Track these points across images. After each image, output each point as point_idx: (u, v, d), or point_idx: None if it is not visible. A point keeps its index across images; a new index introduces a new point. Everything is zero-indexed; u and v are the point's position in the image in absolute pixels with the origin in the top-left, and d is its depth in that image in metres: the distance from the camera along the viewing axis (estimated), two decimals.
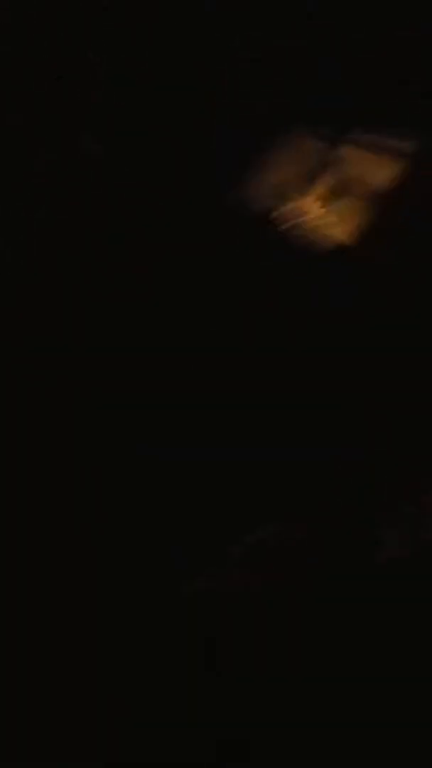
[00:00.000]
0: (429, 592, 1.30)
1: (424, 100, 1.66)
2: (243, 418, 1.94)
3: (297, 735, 1.21)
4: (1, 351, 2.12)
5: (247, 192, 2.30)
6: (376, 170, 2.31)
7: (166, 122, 2.16)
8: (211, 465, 1.75)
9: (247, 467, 1.74)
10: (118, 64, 2.06)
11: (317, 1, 1.65)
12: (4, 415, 1.95)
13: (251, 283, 1.84)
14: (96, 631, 1.48)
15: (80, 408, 2.01)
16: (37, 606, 1.55)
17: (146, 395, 2.07)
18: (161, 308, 1.94)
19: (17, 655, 1.46)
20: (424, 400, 1.69)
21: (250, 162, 2.31)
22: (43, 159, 2.20)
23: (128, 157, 2.24)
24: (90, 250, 2.28)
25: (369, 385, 1.62)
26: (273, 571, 1.47)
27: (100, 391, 2.05)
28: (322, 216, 2.40)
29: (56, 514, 1.73)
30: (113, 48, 2.01)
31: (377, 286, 1.73)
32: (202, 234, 1.99)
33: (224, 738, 1.24)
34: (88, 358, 2.12)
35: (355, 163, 2.39)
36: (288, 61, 1.80)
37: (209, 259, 1.90)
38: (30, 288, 2.20)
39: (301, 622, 1.29)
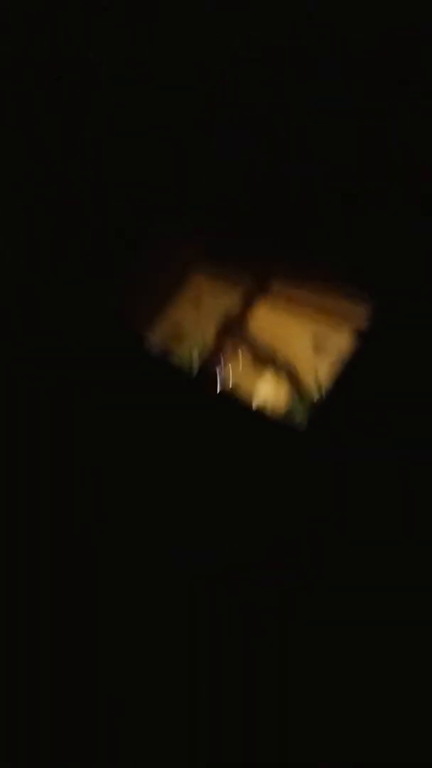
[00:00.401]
0: None
1: (424, 100, 1.66)
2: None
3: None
4: (1, 351, 2.12)
5: (150, 332, 2.38)
6: (289, 336, 2.33)
7: (166, 122, 2.16)
8: (210, 466, 1.75)
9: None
10: (118, 64, 2.06)
11: (317, 1, 1.65)
12: (4, 414, 1.95)
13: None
14: (96, 630, 1.48)
15: (80, 407, 2.01)
16: (38, 605, 1.55)
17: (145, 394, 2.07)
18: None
19: (18, 654, 1.46)
20: None
21: (150, 296, 2.42)
22: (43, 159, 2.20)
23: (128, 157, 2.24)
24: (90, 249, 2.28)
25: None
26: (269, 569, 1.47)
27: (99, 390, 2.05)
28: (241, 374, 2.37)
29: (56, 514, 1.73)
30: (113, 48, 2.01)
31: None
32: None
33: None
34: (87, 358, 2.12)
35: (270, 326, 2.35)
36: (288, 61, 1.79)
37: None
38: (30, 288, 2.20)
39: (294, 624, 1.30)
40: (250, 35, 1.80)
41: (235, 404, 1.76)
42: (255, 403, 1.96)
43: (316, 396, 2.11)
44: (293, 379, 2.43)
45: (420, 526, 1.31)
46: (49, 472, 1.82)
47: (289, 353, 2.53)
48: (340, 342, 2.32)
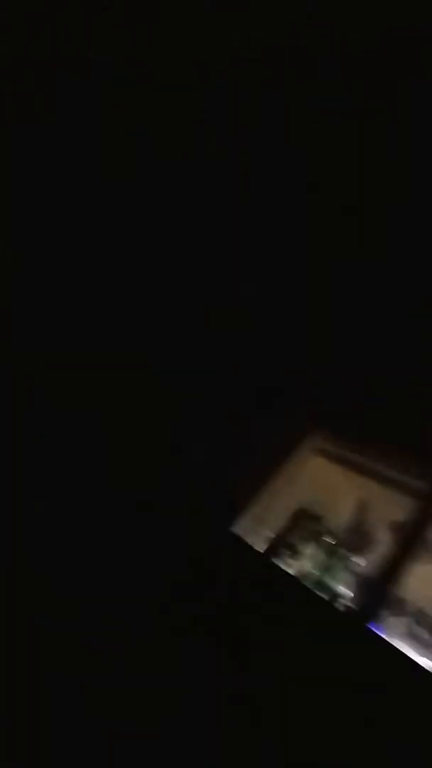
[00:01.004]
0: None
1: (423, 100, 1.66)
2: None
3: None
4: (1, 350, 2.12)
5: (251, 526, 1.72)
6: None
7: (166, 122, 2.15)
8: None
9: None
10: (118, 64, 2.05)
11: (317, 1, 1.65)
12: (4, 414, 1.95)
13: None
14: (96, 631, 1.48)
15: (81, 407, 2.00)
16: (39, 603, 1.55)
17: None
18: None
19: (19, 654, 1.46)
20: None
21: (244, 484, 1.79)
22: (43, 159, 2.20)
23: (128, 156, 2.24)
24: (90, 249, 2.28)
25: None
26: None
27: (101, 389, 2.05)
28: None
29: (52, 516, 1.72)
30: (113, 48, 2.01)
31: None
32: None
33: None
34: (88, 359, 2.11)
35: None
36: (288, 61, 1.79)
37: None
38: (29, 287, 2.20)
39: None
40: (250, 35, 1.80)
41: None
42: None
43: None
44: None
45: None
46: None
47: None
48: None
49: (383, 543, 1.61)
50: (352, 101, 1.76)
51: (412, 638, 1.42)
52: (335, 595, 1.61)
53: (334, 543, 1.76)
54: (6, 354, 1.99)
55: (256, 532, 1.78)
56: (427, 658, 1.35)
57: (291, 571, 1.60)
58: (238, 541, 1.62)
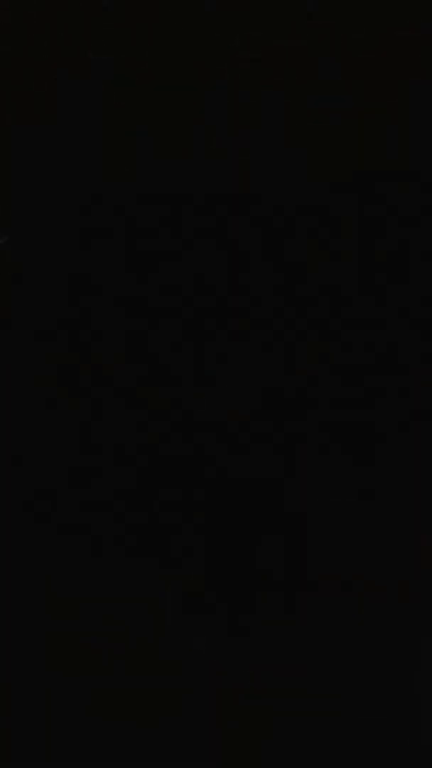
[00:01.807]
0: None
1: (424, 101, 1.66)
2: None
3: None
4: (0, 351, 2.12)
5: None
6: None
7: (165, 122, 2.15)
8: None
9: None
10: (118, 64, 2.06)
11: (317, 1, 1.65)
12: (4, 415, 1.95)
13: None
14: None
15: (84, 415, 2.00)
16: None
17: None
18: None
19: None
20: None
21: None
22: (43, 159, 2.20)
23: (128, 156, 2.24)
24: (89, 250, 2.28)
25: None
26: None
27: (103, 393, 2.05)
28: None
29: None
30: (113, 48, 2.01)
31: None
32: None
33: None
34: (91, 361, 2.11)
35: None
36: (288, 61, 1.79)
37: None
38: (29, 286, 2.20)
39: None
40: (250, 35, 1.80)
41: None
42: None
43: None
44: None
45: None
46: None
47: None
48: None
49: None
50: (352, 101, 1.76)
51: None
52: None
53: None
54: (7, 354, 1.99)
55: None
56: None
57: None
58: None
